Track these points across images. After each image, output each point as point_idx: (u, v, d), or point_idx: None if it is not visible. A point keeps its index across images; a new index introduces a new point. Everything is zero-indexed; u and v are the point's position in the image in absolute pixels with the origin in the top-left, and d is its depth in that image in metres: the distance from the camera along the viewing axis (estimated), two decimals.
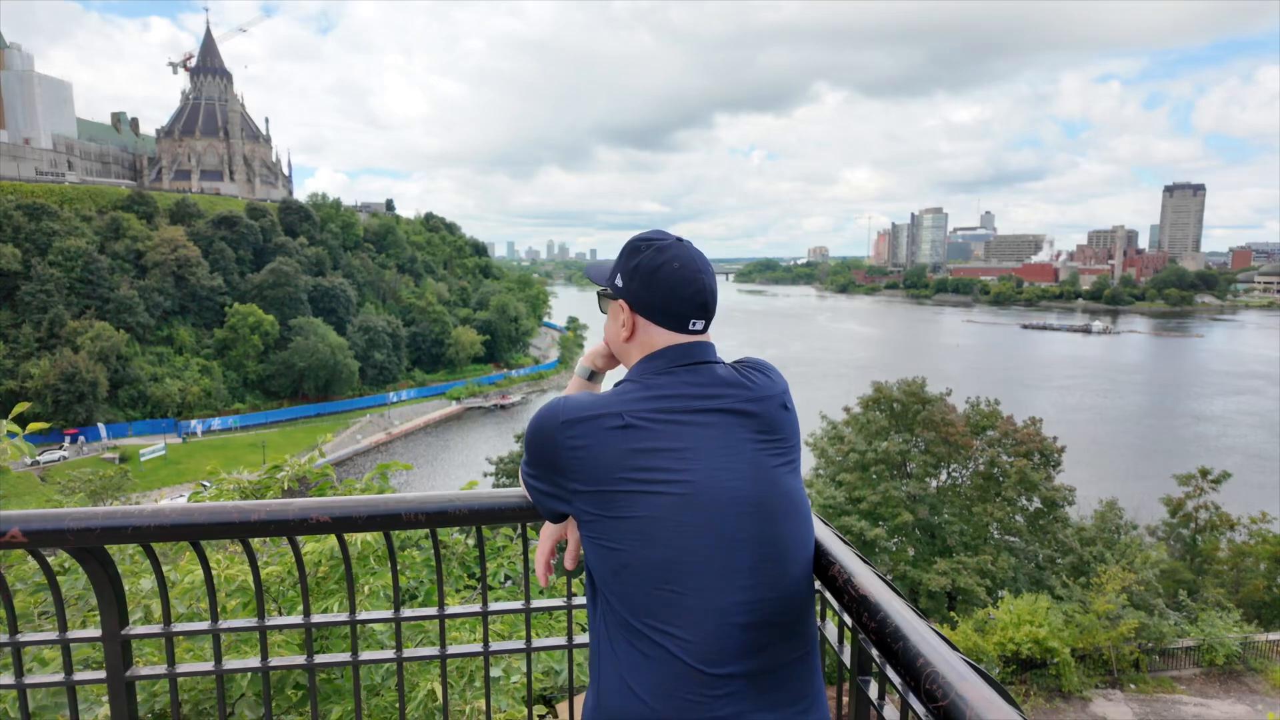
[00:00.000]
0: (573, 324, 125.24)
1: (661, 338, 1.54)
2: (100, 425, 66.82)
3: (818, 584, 1.65)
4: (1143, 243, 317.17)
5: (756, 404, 1.48)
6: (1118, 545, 24.50)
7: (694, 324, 1.55)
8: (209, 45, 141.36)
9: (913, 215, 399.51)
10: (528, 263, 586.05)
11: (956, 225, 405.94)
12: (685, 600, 1.34)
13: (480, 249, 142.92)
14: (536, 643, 2.12)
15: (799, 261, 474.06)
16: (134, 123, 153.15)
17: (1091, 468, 49.14)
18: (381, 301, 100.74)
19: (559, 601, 2.15)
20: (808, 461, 29.97)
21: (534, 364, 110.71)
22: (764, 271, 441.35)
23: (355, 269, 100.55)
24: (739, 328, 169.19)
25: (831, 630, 1.80)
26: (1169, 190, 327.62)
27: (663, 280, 1.53)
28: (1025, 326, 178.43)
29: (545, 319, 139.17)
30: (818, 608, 1.90)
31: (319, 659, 2.00)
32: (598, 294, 1.70)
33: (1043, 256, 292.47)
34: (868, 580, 1.46)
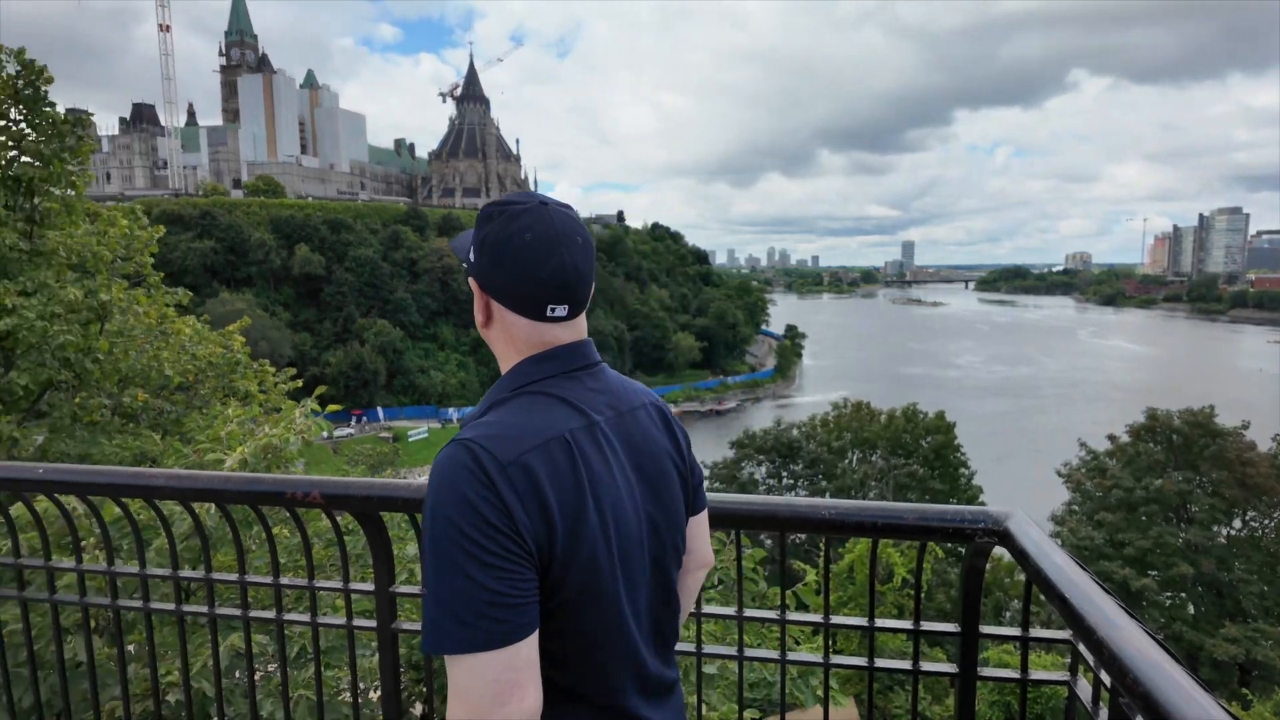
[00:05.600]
0: (791, 332, 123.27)
1: (521, 327, 1.26)
2: (379, 408, 78.46)
3: (1069, 633, 1.43)
4: None
5: (633, 415, 1.32)
6: None
7: (553, 309, 1.24)
8: (471, 75, 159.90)
9: (1201, 216, 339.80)
10: (747, 270, 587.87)
11: (1260, 228, 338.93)
12: (597, 655, 1.20)
13: (701, 257, 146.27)
14: None
15: (1054, 269, 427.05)
16: (411, 147, 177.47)
17: None
18: (609, 307, 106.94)
19: None
20: (1060, 496, 27.67)
21: (750, 371, 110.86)
22: (1011, 280, 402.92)
23: None
24: (981, 341, 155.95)
25: (1084, 687, 1.58)
26: None
27: (512, 255, 1.22)
28: None
29: (763, 326, 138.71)
30: (1067, 660, 1.68)
31: None
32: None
33: None
34: (1133, 637, 1.20)
